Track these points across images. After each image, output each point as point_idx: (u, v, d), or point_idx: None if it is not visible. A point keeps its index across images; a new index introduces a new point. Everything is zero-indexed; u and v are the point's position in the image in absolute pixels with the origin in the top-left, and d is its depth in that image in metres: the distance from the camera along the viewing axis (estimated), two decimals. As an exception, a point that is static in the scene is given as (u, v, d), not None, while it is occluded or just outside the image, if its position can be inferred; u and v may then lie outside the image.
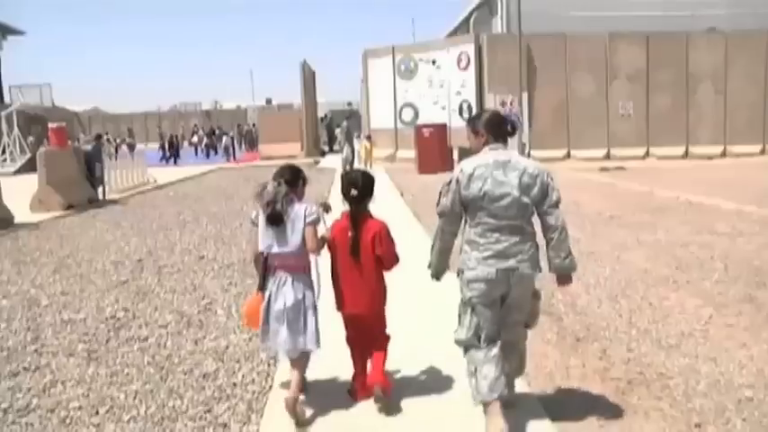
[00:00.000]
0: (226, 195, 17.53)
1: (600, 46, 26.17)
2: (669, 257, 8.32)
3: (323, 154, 35.54)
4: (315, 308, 4.20)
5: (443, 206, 3.88)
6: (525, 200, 3.73)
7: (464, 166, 3.85)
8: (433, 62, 27.76)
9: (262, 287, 4.25)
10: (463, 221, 3.92)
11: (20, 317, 6.66)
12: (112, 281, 8.06)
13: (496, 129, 3.93)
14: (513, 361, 3.97)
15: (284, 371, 4.78)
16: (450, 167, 22.53)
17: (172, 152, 35.92)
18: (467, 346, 3.89)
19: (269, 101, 67.80)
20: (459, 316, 3.95)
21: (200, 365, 5.13)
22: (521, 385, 4.32)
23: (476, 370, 3.79)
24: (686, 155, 26.25)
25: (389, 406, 4.14)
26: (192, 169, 27.99)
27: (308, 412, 4.14)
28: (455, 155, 24.05)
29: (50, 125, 17.89)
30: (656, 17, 28.43)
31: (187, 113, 70.64)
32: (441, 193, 3.93)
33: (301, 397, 4.19)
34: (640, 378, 4.63)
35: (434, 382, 4.63)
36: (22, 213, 13.82)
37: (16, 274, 8.63)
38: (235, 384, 4.73)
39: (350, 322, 4.31)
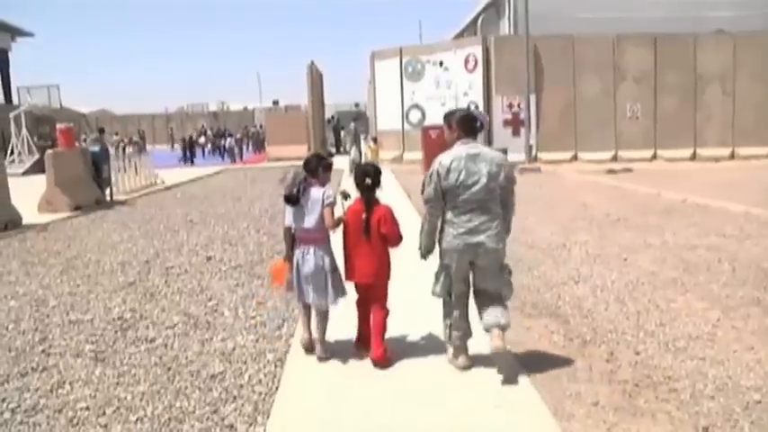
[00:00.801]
0: (233, 196, 17.57)
1: (607, 48, 26.08)
2: (676, 260, 8.30)
3: (330, 155, 35.50)
4: (334, 270, 5.10)
5: (428, 194, 4.70)
6: (492, 185, 4.61)
7: (442, 160, 4.65)
8: (441, 64, 27.73)
9: (289, 255, 5.19)
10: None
11: (28, 317, 6.69)
12: (120, 282, 8.09)
13: (467, 125, 4.78)
14: (498, 314, 4.71)
15: (291, 371, 4.82)
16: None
17: (192, 153, 36.27)
18: (443, 302, 4.91)
19: (276, 102, 67.81)
20: (437, 275, 4.90)
21: (207, 366, 5.14)
22: (526, 388, 4.32)
23: (451, 324, 4.86)
24: (694, 157, 26.12)
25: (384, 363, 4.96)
26: (199, 170, 28.05)
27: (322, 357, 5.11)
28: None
29: (58, 126, 17.95)
30: (663, 19, 28.31)
31: (194, 115, 70.75)
32: (424, 183, 4.75)
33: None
34: (647, 381, 4.62)
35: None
36: (29, 214, 13.87)
37: (24, 275, 8.67)
38: (241, 386, 4.74)
39: (359, 289, 5.15)
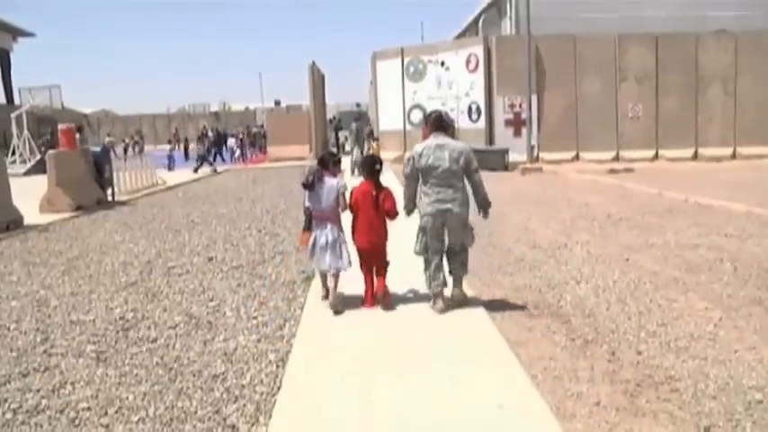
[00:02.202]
0: (234, 197, 17.58)
1: (609, 47, 26.04)
2: (678, 259, 8.29)
3: (332, 156, 35.33)
4: (345, 242, 6.48)
5: (406, 173, 6.38)
6: (455, 167, 6.11)
7: (417, 148, 6.28)
8: (442, 64, 27.71)
9: (308, 228, 6.61)
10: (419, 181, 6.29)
11: (29, 318, 6.70)
12: (121, 282, 8.10)
13: (437, 124, 6.35)
14: (459, 267, 6.45)
15: (293, 371, 4.82)
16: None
17: (217, 150, 36.23)
18: (424, 258, 6.41)
19: (277, 102, 67.90)
20: (417, 236, 6.42)
21: (209, 367, 5.14)
22: (528, 388, 4.32)
23: (430, 275, 6.33)
24: (695, 156, 26.09)
25: (388, 305, 6.37)
26: (202, 171, 28.02)
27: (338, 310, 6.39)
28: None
29: (60, 126, 17.94)
30: (665, 18, 28.30)
31: (196, 115, 70.74)
32: (405, 164, 6.45)
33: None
34: (649, 380, 4.61)
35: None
36: (31, 215, 13.89)
37: (26, 276, 8.68)
38: (243, 386, 4.74)
39: (364, 252, 6.48)
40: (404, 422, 4.02)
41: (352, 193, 6.44)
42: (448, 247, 6.41)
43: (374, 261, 6.47)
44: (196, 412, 4.33)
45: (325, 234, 6.40)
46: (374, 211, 6.35)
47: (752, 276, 7.35)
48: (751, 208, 11.96)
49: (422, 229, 6.33)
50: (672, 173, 21.43)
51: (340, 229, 6.51)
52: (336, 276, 6.49)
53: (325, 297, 6.59)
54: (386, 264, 6.54)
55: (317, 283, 7.20)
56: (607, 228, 10.83)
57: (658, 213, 12.15)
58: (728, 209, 12.28)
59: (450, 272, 6.42)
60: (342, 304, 6.40)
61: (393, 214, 6.37)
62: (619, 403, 4.26)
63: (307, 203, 6.53)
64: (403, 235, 6.80)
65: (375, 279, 6.47)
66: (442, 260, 6.37)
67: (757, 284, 7.00)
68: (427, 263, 6.39)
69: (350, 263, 6.45)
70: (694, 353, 5.11)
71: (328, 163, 6.59)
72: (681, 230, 10.29)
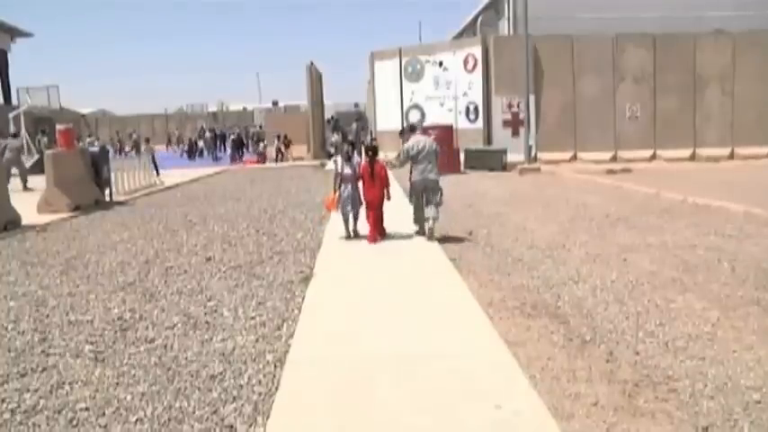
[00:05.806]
0: (233, 197, 17.57)
1: (607, 48, 26.07)
2: (676, 260, 8.30)
3: (329, 156, 35.44)
4: (359, 196, 10.21)
5: (402, 159, 10.52)
6: (430, 151, 10.13)
7: (410, 142, 10.36)
8: (440, 64, 27.73)
9: (337, 189, 10.30)
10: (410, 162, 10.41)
11: (27, 318, 6.69)
12: (119, 282, 8.09)
13: (415, 129, 11.31)
14: (433, 211, 9.97)
15: (291, 371, 4.81)
16: (457, 168, 22.57)
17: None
18: (413, 206, 10.45)
19: (275, 102, 67.72)
20: (409, 193, 10.68)
21: (207, 367, 5.13)
22: (526, 388, 4.32)
23: (416, 217, 10.45)
24: (693, 157, 26.11)
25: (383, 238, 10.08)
26: (199, 171, 28.01)
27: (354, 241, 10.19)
28: (461, 156, 24.05)
29: (58, 126, 17.88)
30: (662, 18, 28.27)
31: (194, 115, 70.54)
32: (400, 154, 10.72)
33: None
34: (647, 380, 4.62)
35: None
36: (29, 215, 13.86)
37: (24, 276, 8.66)
38: (241, 386, 4.74)
39: (368, 204, 10.11)
40: (402, 424, 4.02)
41: (362, 167, 10.20)
42: (427, 200, 10.08)
43: (375, 210, 10.06)
44: (194, 412, 4.32)
45: (347, 190, 10.22)
46: (374, 177, 10.02)
47: (750, 276, 7.36)
48: (749, 208, 11.97)
49: (411, 189, 10.43)
50: (670, 173, 21.45)
51: (356, 188, 10.26)
52: (355, 219, 10.38)
53: (347, 237, 10.41)
54: (382, 212, 10.14)
55: (315, 282, 7.61)
56: (605, 228, 10.85)
57: (656, 213, 12.16)
58: (726, 209, 12.29)
59: (425, 213, 10.08)
60: (356, 237, 10.39)
61: (386, 182, 10.07)
62: (617, 403, 4.26)
63: (338, 170, 10.37)
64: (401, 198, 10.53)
65: (376, 225, 10.06)
66: (423, 208, 10.18)
67: (755, 284, 7.01)
68: (414, 209, 10.46)
69: (359, 208, 10.29)
70: (692, 353, 5.12)
71: (355, 147, 11.24)
72: (678, 231, 10.30)
